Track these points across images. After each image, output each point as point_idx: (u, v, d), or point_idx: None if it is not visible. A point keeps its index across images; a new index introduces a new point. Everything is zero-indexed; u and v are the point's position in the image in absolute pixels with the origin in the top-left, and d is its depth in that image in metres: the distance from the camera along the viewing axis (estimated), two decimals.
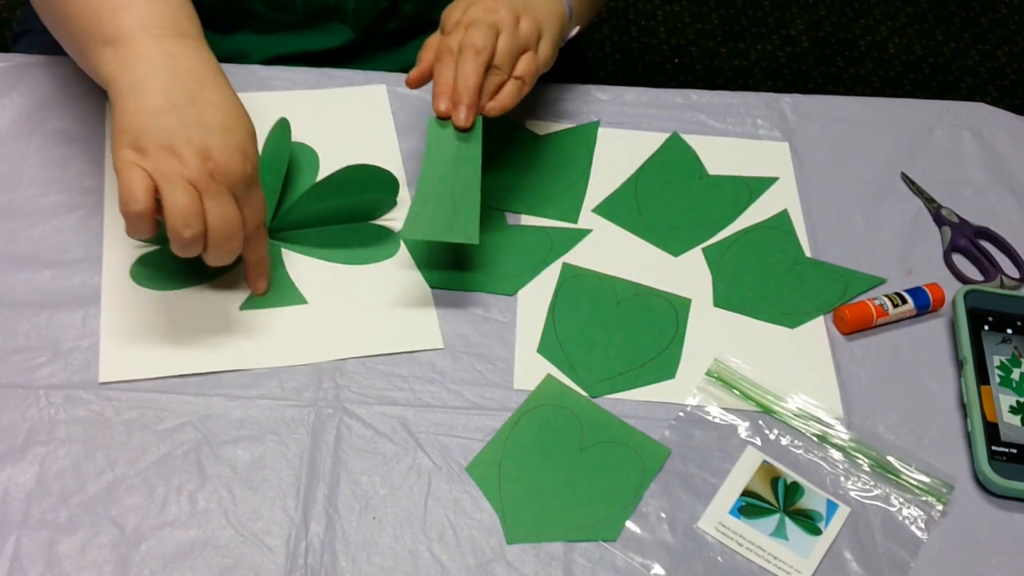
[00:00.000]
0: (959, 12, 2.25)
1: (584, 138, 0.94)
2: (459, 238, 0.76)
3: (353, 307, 0.80)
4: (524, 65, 0.81)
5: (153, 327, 0.77)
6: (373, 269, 0.82)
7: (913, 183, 0.94)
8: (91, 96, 0.91)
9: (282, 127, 0.87)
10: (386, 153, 0.90)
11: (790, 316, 0.83)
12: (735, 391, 0.78)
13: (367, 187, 0.83)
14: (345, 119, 0.92)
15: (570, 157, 0.92)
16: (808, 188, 0.92)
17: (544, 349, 0.79)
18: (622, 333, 0.81)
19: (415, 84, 0.81)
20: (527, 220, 0.88)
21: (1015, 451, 0.75)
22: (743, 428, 0.76)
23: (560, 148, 0.93)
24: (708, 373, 0.79)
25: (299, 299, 0.80)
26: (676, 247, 0.87)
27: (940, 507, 0.73)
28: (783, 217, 0.90)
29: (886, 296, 0.83)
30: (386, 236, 0.84)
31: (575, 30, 0.89)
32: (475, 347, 0.79)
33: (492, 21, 0.78)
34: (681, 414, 0.77)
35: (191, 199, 0.68)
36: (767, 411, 0.77)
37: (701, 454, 0.75)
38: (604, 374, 0.78)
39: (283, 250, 0.83)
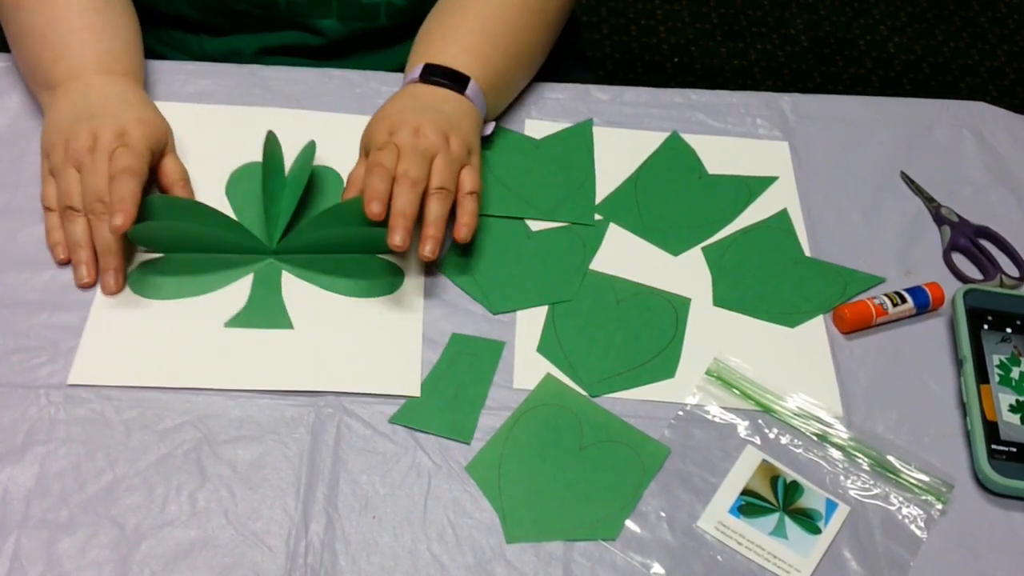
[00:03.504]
0: (959, 12, 2.25)
1: (581, 138, 0.94)
2: (451, 435, 0.74)
3: (339, 340, 0.78)
4: (471, 179, 0.82)
5: (134, 334, 0.77)
6: (370, 303, 0.80)
7: (913, 182, 0.94)
8: None
9: (307, 150, 0.85)
10: None
11: (790, 315, 0.83)
12: (735, 390, 0.78)
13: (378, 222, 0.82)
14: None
15: (572, 159, 0.92)
16: (808, 188, 0.93)
17: (544, 348, 0.79)
18: (622, 332, 0.81)
19: None
20: (541, 225, 0.88)
21: (1014, 450, 0.75)
22: (743, 427, 0.76)
23: (560, 151, 0.93)
24: (708, 372, 0.79)
25: (286, 323, 0.78)
26: (676, 246, 0.87)
27: (940, 506, 0.73)
28: (783, 216, 0.90)
29: (886, 295, 0.83)
30: (390, 271, 0.82)
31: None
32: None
33: (425, 148, 0.80)
34: (681, 413, 0.77)
35: (69, 178, 0.79)
36: (767, 410, 0.77)
37: (701, 453, 0.75)
38: (604, 373, 0.78)
39: (283, 272, 0.82)
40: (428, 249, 0.77)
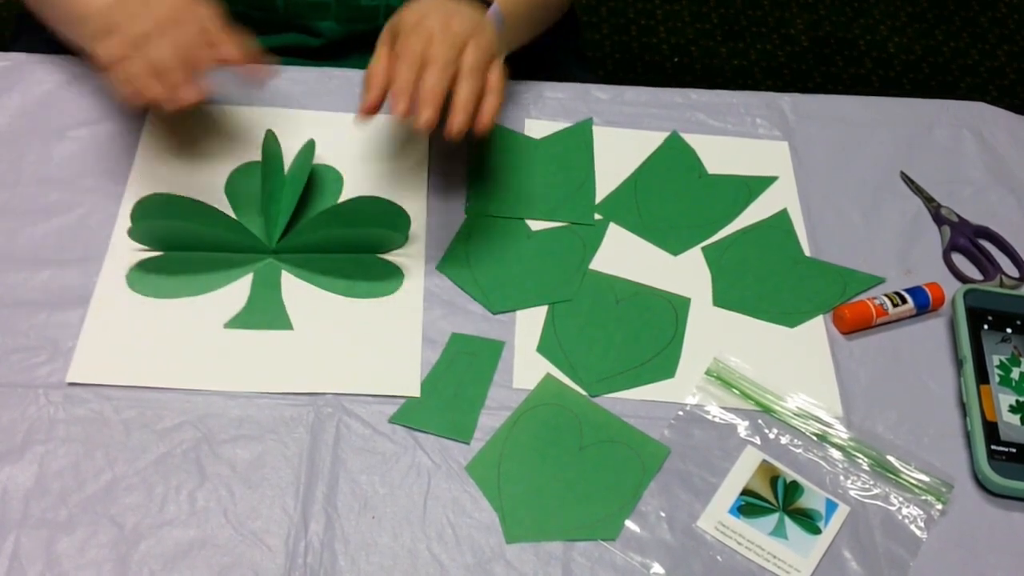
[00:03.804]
0: (959, 12, 2.25)
1: (581, 137, 0.94)
2: (451, 435, 0.74)
3: (339, 340, 0.78)
4: (497, 76, 0.79)
5: (133, 333, 0.77)
6: (369, 304, 0.80)
7: (912, 182, 0.94)
8: (91, 95, 0.91)
9: (307, 149, 0.85)
10: (412, 186, 0.88)
11: (789, 315, 0.83)
12: (734, 390, 0.78)
13: (376, 220, 0.82)
14: (380, 146, 0.91)
15: (572, 158, 0.92)
16: (808, 188, 0.92)
17: (543, 348, 0.79)
18: (621, 332, 0.81)
19: (372, 112, 0.77)
20: (541, 225, 0.88)
21: (1014, 450, 0.75)
22: (742, 427, 0.76)
23: (560, 150, 0.93)
24: (707, 372, 0.79)
25: (285, 324, 0.78)
26: (675, 246, 0.87)
27: (939, 506, 0.73)
28: (783, 216, 0.90)
29: (885, 295, 0.83)
30: (389, 272, 0.82)
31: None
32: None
33: (456, 33, 0.77)
34: (680, 413, 0.77)
35: (130, 25, 0.76)
36: (766, 410, 0.77)
37: (700, 453, 0.75)
38: (603, 373, 0.78)
39: (283, 272, 0.81)
40: (457, 123, 0.75)
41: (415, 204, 0.86)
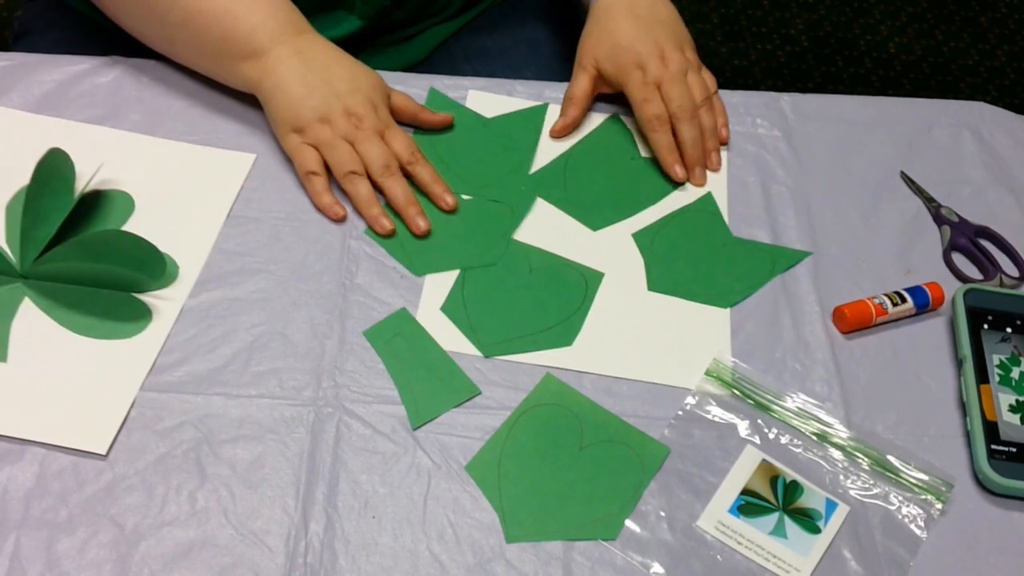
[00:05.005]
0: (959, 12, 2.25)
1: (532, 120, 0.95)
2: (463, 398, 0.75)
3: (49, 381, 0.73)
4: (709, 82, 0.95)
5: None
6: (103, 345, 0.75)
7: (912, 182, 0.94)
8: (90, 95, 0.91)
9: (54, 164, 0.79)
10: (207, 224, 0.83)
11: (723, 296, 0.83)
12: (734, 390, 0.78)
13: (129, 260, 0.76)
14: (190, 178, 0.86)
15: (518, 140, 0.94)
16: (807, 187, 0.93)
17: (448, 308, 0.80)
18: (529, 299, 0.82)
19: (562, 135, 0.93)
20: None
21: (1014, 450, 0.75)
22: (742, 427, 0.76)
23: (508, 131, 0.94)
24: (707, 372, 0.79)
25: None
26: (595, 221, 0.88)
27: (939, 506, 0.73)
28: (707, 199, 0.90)
29: (885, 295, 0.83)
30: (138, 314, 0.77)
31: None
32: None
33: (677, 72, 0.91)
34: (680, 413, 0.77)
35: (346, 149, 0.86)
36: (766, 410, 0.77)
37: (700, 453, 0.75)
38: (502, 335, 0.79)
39: (26, 300, 0.77)
40: (716, 160, 0.92)
41: (202, 240, 0.82)
